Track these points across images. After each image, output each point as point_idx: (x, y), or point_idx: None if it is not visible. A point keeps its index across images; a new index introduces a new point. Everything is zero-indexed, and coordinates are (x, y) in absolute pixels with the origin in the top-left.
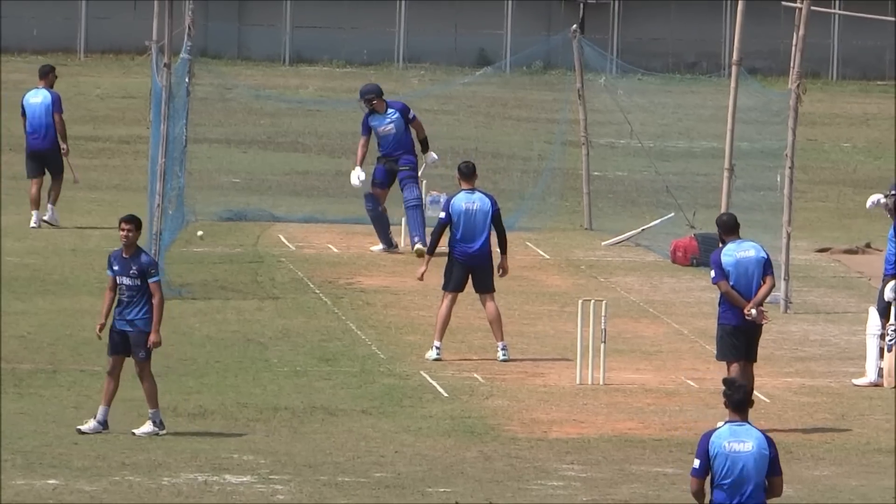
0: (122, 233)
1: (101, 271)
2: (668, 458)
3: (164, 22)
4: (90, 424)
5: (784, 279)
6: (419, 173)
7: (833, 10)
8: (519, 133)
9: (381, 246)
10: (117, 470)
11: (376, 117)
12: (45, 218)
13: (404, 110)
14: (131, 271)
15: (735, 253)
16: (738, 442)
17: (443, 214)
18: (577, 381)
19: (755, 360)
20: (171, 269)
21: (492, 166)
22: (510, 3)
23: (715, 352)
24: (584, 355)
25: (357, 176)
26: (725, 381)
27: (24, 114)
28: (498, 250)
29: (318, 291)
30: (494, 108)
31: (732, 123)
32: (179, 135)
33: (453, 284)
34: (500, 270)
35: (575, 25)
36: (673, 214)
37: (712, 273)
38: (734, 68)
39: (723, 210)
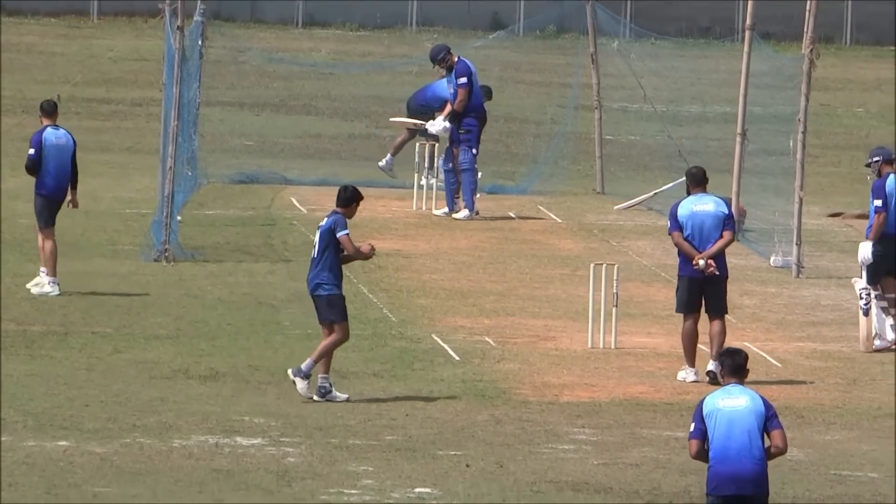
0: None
1: (113, 233)
2: (678, 422)
3: None
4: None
5: (796, 244)
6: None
7: None
8: (532, 97)
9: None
10: (128, 432)
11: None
12: None
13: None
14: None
15: (692, 206)
16: (730, 398)
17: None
18: (589, 345)
19: (723, 314)
20: (183, 232)
21: (504, 130)
22: None
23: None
24: (595, 319)
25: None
26: (724, 351)
27: None
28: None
29: None
30: (507, 72)
31: (745, 88)
32: (192, 98)
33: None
34: None
35: None
36: (685, 178)
37: (669, 224)
38: (747, 33)
39: (735, 174)
